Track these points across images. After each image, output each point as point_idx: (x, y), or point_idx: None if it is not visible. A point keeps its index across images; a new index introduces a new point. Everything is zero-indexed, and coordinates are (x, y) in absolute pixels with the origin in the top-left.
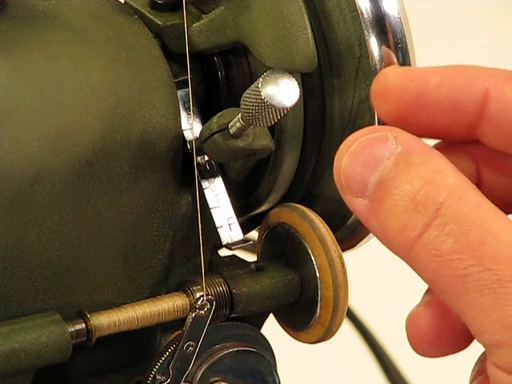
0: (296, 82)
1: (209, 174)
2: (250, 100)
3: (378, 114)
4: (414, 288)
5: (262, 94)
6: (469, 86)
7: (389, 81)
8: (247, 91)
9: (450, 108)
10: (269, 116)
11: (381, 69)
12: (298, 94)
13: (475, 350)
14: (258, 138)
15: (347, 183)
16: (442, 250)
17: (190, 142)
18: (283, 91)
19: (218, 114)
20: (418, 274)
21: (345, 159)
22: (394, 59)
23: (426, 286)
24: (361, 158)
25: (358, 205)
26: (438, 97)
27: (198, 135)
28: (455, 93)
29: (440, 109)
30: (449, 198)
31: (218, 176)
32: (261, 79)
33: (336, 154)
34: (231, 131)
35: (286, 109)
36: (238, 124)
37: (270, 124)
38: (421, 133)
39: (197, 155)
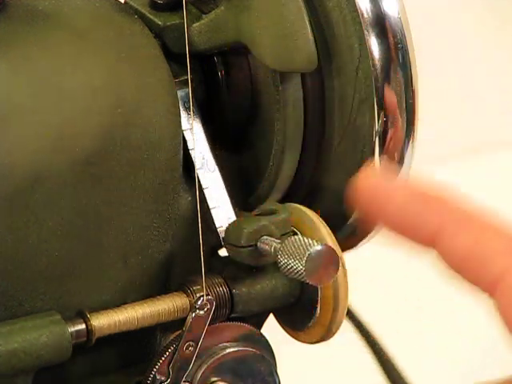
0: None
1: (209, 174)
2: (294, 265)
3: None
4: (414, 288)
5: (304, 271)
6: (425, 217)
7: (365, 182)
8: (297, 256)
9: (408, 230)
10: (295, 275)
11: (381, 69)
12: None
13: (475, 349)
14: None
15: None
16: None
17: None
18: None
19: (249, 224)
20: None
21: None
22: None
23: (425, 287)
24: None
25: None
26: (398, 217)
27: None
28: (414, 220)
29: (401, 228)
30: None
31: (218, 176)
32: (306, 252)
33: None
34: (260, 248)
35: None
36: (267, 248)
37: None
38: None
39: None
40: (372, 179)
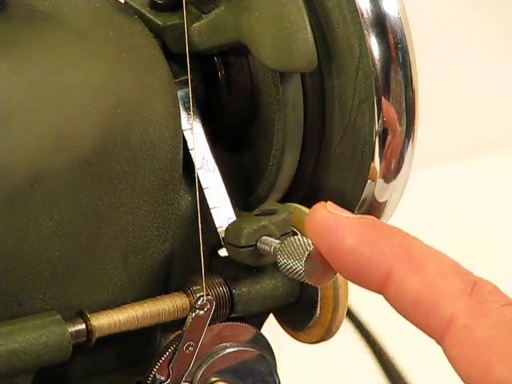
0: None
1: (209, 174)
2: (293, 266)
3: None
4: None
5: (303, 271)
6: (374, 261)
7: (315, 221)
8: (296, 257)
9: (357, 273)
10: (294, 276)
11: (381, 69)
12: None
13: None
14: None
15: None
16: None
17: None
18: None
19: (249, 224)
20: None
21: None
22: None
23: None
24: None
25: None
26: (347, 259)
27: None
28: (362, 261)
29: (349, 270)
30: None
31: (218, 176)
32: (304, 253)
33: None
34: (259, 248)
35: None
36: (267, 249)
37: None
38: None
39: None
40: (323, 214)
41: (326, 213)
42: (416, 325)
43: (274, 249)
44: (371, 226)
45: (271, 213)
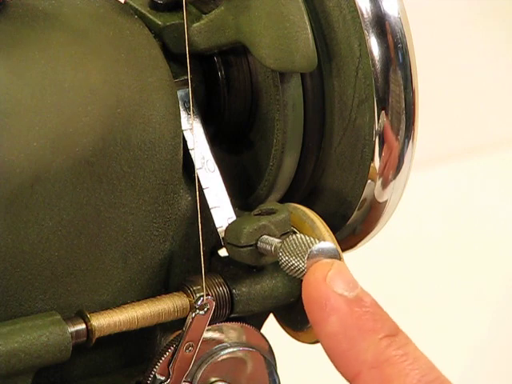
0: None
1: (209, 174)
2: (292, 260)
3: None
4: (414, 288)
5: (306, 268)
6: (347, 357)
7: (310, 287)
8: (298, 253)
9: (331, 356)
10: (296, 273)
11: (381, 69)
12: None
13: (475, 348)
14: None
15: None
16: None
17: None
18: None
19: (249, 224)
20: None
21: None
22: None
23: (426, 288)
24: None
25: None
26: (326, 340)
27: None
28: (337, 351)
29: (326, 346)
30: None
31: (218, 176)
32: (311, 245)
33: None
34: (259, 247)
35: None
36: (268, 248)
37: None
38: None
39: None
40: (319, 286)
41: (321, 285)
42: None
43: (274, 247)
44: (359, 316)
45: (271, 212)
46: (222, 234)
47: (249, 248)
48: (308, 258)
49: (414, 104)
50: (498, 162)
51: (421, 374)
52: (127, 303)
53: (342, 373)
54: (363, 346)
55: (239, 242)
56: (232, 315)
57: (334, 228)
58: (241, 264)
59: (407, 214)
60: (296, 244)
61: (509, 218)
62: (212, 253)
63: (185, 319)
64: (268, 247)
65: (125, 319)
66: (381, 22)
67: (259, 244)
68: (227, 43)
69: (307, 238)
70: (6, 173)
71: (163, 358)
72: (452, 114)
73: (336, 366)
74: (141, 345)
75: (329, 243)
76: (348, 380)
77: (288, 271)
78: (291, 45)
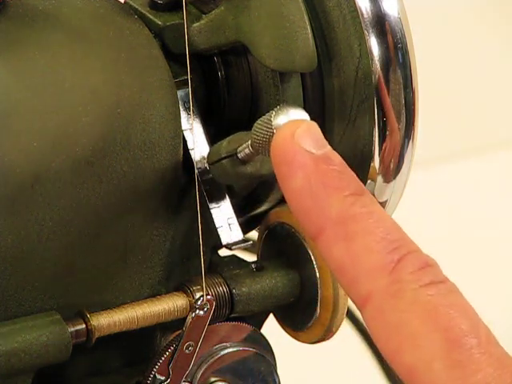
0: (307, 116)
1: (208, 174)
2: (261, 130)
3: None
4: None
5: (273, 125)
6: (310, 214)
7: (278, 144)
8: (259, 121)
9: (296, 214)
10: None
11: (381, 69)
12: None
13: None
14: (266, 163)
15: None
16: None
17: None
18: None
19: (228, 139)
20: None
21: None
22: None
23: None
24: None
25: None
26: (290, 198)
27: (204, 155)
28: (301, 208)
29: (291, 204)
30: None
31: None
32: (273, 111)
33: None
34: (239, 156)
35: None
36: (246, 150)
37: None
38: None
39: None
40: (286, 142)
41: (289, 141)
42: (341, 286)
43: (250, 143)
44: (324, 173)
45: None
46: (222, 234)
47: (230, 158)
48: (274, 117)
49: (413, 104)
50: (498, 162)
51: (385, 233)
52: (127, 303)
53: (305, 230)
54: (328, 202)
55: (220, 155)
56: (232, 315)
57: None
58: (241, 264)
59: (407, 213)
60: (263, 121)
61: (509, 218)
62: (212, 253)
63: (185, 319)
64: (246, 149)
65: (125, 319)
66: (381, 22)
67: (238, 150)
68: (227, 43)
69: (271, 112)
70: (6, 173)
71: (163, 358)
72: (452, 114)
73: (301, 224)
74: (141, 345)
75: (296, 107)
76: (312, 238)
77: (260, 148)
78: (291, 45)
